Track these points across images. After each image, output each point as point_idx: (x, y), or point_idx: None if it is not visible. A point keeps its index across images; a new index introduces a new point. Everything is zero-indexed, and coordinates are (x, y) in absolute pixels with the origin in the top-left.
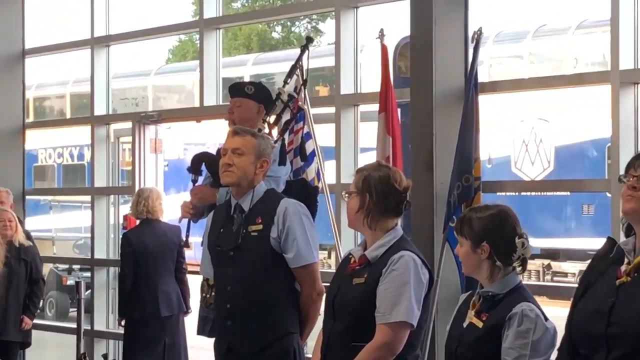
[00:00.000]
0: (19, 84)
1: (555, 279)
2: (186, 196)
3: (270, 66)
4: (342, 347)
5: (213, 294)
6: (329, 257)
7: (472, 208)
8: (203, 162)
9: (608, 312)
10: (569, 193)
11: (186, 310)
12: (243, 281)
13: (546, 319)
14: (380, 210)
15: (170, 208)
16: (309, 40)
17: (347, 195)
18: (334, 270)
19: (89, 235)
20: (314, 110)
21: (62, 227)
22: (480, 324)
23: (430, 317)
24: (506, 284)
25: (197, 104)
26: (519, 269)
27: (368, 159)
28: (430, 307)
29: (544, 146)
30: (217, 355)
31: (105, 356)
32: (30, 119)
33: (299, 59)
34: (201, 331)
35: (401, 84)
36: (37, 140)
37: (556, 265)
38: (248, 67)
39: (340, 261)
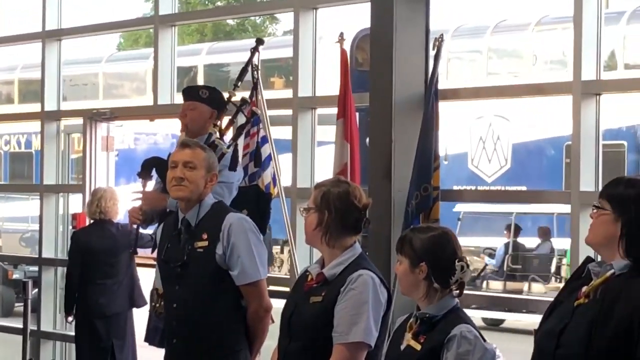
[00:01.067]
0: None
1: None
2: (136, 188)
3: (225, 56)
4: None
5: (162, 303)
6: (282, 252)
7: (415, 228)
8: (154, 167)
9: (559, 333)
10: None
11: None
12: (188, 299)
13: (484, 340)
14: (339, 228)
15: (121, 199)
16: (259, 42)
17: (304, 211)
18: (286, 266)
19: (36, 227)
20: (270, 112)
21: (8, 217)
22: (418, 347)
23: (387, 336)
24: (443, 305)
25: (150, 102)
26: (456, 292)
27: (324, 152)
28: (388, 327)
29: (501, 143)
30: None
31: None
32: None
33: (250, 61)
34: (151, 340)
35: (358, 78)
36: None
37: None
38: (202, 56)
39: (296, 277)
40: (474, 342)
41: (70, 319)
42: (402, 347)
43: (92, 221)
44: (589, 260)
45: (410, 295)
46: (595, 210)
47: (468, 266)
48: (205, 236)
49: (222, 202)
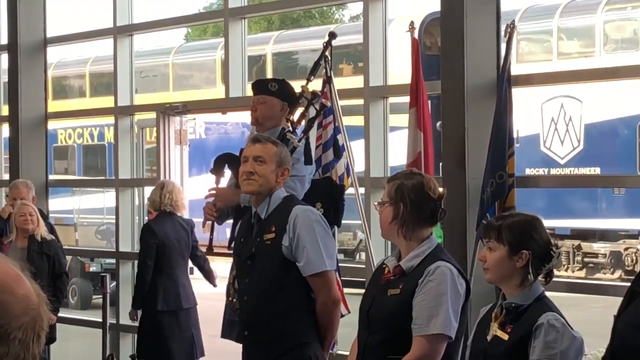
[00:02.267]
0: (41, 74)
1: (585, 259)
2: (207, 180)
3: (293, 44)
4: None
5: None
6: (354, 238)
7: (505, 215)
8: (226, 163)
9: None
10: (599, 172)
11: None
12: (257, 291)
13: (571, 328)
14: (415, 220)
15: (193, 189)
16: (332, 36)
17: (379, 205)
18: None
19: (111, 219)
20: (342, 102)
21: (84, 209)
22: (505, 337)
23: (467, 327)
24: (530, 294)
25: (222, 95)
26: (542, 280)
27: (396, 137)
28: (467, 317)
29: (573, 124)
30: None
31: (133, 357)
32: (50, 98)
33: (322, 55)
34: (227, 335)
35: (426, 62)
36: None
37: (586, 246)
38: (270, 45)
39: (373, 269)
40: (561, 330)
41: (137, 315)
42: (489, 337)
43: (157, 213)
44: None
45: (500, 283)
46: None
47: (560, 254)
48: (273, 228)
49: (293, 195)
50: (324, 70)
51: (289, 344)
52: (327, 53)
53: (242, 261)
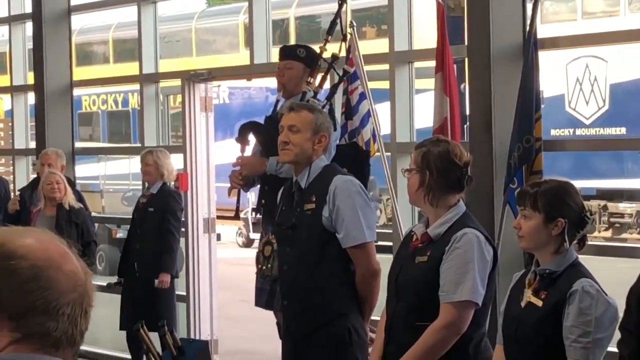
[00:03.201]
0: (66, 42)
1: (611, 220)
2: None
3: (316, 7)
4: (406, 327)
5: (269, 265)
6: (380, 201)
7: (538, 182)
8: (251, 131)
9: None
10: (625, 132)
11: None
12: (296, 262)
13: (605, 294)
14: (442, 187)
15: (219, 154)
16: None
17: (406, 172)
18: (384, 215)
19: (137, 184)
20: (367, 67)
21: (110, 175)
22: (540, 303)
23: (495, 294)
24: (564, 260)
25: (246, 61)
26: (576, 245)
27: (422, 100)
28: (495, 284)
29: (598, 84)
30: (280, 331)
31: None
32: (74, 65)
33: (338, 13)
34: (258, 302)
35: (450, 24)
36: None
37: (612, 206)
38: (292, 8)
39: (400, 236)
40: (596, 297)
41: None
42: (523, 304)
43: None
44: None
45: (535, 250)
46: None
47: (594, 219)
48: (313, 198)
49: (334, 164)
50: (343, 30)
51: (327, 315)
52: (348, 16)
53: (282, 230)
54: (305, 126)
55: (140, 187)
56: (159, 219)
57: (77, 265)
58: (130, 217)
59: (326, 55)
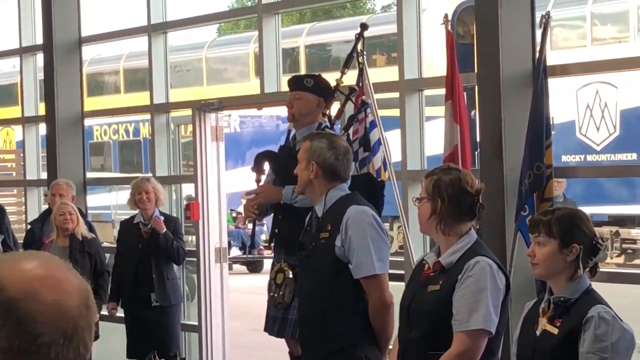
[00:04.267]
0: (77, 73)
1: (624, 246)
2: (246, 176)
3: (326, 36)
4: (419, 356)
5: (281, 292)
6: (391, 229)
7: (549, 210)
8: (266, 160)
9: None
10: (636, 157)
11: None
12: (310, 289)
13: (621, 320)
14: (453, 215)
15: (229, 182)
16: (364, 27)
17: (417, 201)
18: (396, 242)
19: None
20: (377, 96)
21: (122, 204)
22: (555, 331)
23: (508, 322)
24: (578, 287)
25: (257, 91)
26: (588, 273)
27: (432, 127)
28: (508, 312)
29: (609, 110)
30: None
31: (175, 356)
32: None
33: (355, 47)
34: (269, 330)
35: (459, 51)
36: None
37: (625, 232)
38: (303, 37)
39: (412, 264)
40: (612, 323)
41: None
42: (538, 332)
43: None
44: None
45: (549, 278)
46: None
47: (606, 247)
48: (329, 227)
49: (355, 193)
50: (357, 63)
51: (339, 344)
52: (359, 45)
53: (302, 257)
54: (302, 155)
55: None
56: (177, 248)
57: (69, 293)
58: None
59: (342, 86)
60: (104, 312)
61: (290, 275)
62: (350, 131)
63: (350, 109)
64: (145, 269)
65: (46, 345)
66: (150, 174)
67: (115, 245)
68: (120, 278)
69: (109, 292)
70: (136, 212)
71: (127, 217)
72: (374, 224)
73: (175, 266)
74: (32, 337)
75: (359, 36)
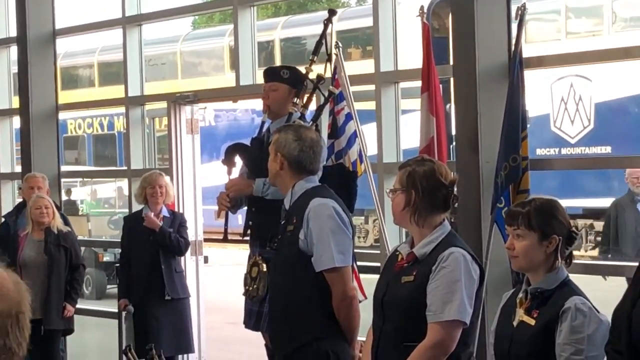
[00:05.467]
0: (51, 66)
1: (598, 238)
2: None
3: (301, 29)
4: (394, 348)
5: (255, 286)
6: (366, 222)
7: (526, 201)
8: (237, 153)
9: None
10: (610, 150)
11: None
12: (276, 282)
13: (598, 311)
14: (427, 207)
15: (205, 176)
16: (332, 12)
17: (391, 192)
18: (372, 236)
19: (122, 209)
20: (353, 88)
21: (97, 198)
22: (532, 322)
23: (483, 312)
24: (555, 279)
25: (232, 83)
26: (564, 263)
27: (408, 120)
28: (482, 303)
29: (583, 103)
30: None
31: (150, 348)
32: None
33: (324, 33)
34: (246, 324)
35: (435, 45)
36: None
37: (599, 225)
38: (278, 30)
39: (387, 256)
40: (588, 315)
41: None
42: (515, 323)
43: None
44: None
45: (529, 270)
46: None
47: (580, 235)
48: (294, 220)
49: (323, 186)
50: (328, 51)
51: (304, 337)
52: (329, 34)
53: (272, 250)
54: (271, 148)
55: (126, 211)
56: (177, 240)
57: (4, 278)
58: (119, 241)
59: (312, 75)
60: (81, 305)
61: (264, 269)
62: (324, 123)
63: (321, 100)
64: (156, 263)
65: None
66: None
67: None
68: (131, 273)
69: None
70: (141, 207)
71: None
72: (334, 217)
73: (180, 259)
74: None
75: (328, 21)
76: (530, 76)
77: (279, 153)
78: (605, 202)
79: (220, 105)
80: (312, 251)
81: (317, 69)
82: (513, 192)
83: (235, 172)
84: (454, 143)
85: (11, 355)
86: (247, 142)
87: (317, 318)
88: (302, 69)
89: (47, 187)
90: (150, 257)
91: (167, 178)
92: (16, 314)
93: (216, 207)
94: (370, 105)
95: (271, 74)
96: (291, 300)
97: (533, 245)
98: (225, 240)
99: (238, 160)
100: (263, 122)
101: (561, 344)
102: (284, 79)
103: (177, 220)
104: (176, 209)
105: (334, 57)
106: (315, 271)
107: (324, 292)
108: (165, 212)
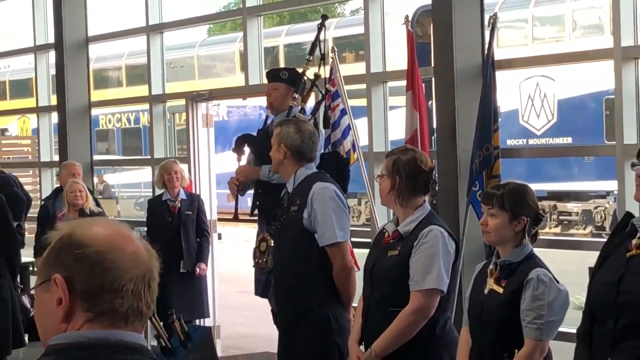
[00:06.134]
0: (84, 68)
1: (560, 217)
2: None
3: (302, 36)
4: (381, 312)
5: (264, 259)
6: (359, 204)
7: (500, 184)
8: (245, 143)
9: (617, 282)
10: (571, 141)
11: None
12: (282, 256)
13: (557, 282)
14: (410, 190)
15: (219, 164)
16: (324, 17)
17: (379, 177)
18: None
19: (148, 192)
20: (347, 87)
21: (124, 184)
22: (500, 290)
23: (457, 282)
24: (521, 253)
25: (242, 83)
26: (529, 239)
27: (395, 115)
28: (458, 274)
29: (547, 100)
30: (274, 317)
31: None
32: (91, 88)
33: (317, 36)
34: (256, 291)
35: (418, 50)
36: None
37: (561, 206)
38: (282, 37)
39: (376, 233)
40: (549, 285)
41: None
42: (486, 291)
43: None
44: (629, 215)
45: (499, 244)
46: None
47: (546, 217)
48: (297, 201)
49: (321, 172)
50: (322, 51)
51: (308, 304)
52: (321, 34)
53: (276, 228)
54: (274, 139)
55: (150, 194)
56: (195, 219)
57: (139, 245)
58: (144, 220)
59: (309, 73)
60: None
61: (272, 244)
62: (320, 119)
63: (319, 97)
64: (175, 240)
65: (129, 289)
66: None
67: (119, 219)
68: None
69: None
70: (162, 191)
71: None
72: (335, 198)
73: (207, 234)
74: (119, 281)
75: (321, 25)
76: (501, 76)
77: (282, 144)
78: (566, 186)
79: (231, 102)
80: (316, 228)
81: (313, 68)
82: (486, 177)
83: (244, 159)
84: (435, 135)
85: (141, 317)
86: (254, 133)
87: (319, 287)
88: (300, 69)
89: (81, 174)
90: (169, 234)
91: (180, 165)
92: (148, 279)
93: (228, 191)
94: (362, 102)
95: (272, 75)
96: (296, 272)
97: (504, 223)
98: (235, 219)
99: (246, 150)
100: (267, 117)
101: (525, 309)
102: (283, 79)
103: (195, 201)
104: (193, 191)
105: (330, 60)
106: (318, 246)
107: (325, 264)
108: (182, 195)
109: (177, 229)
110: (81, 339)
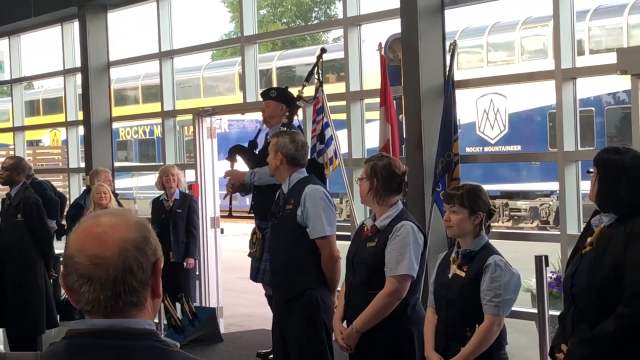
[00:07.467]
0: (106, 88)
1: (511, 213)
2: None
3: (292, 60)
4: (361, 295)
5: (255, 249)
6: (341, 202)
7: (461, 185)
8: (237, 152)
9: (571, 275)
10: (520, 148)
11: None
12: (278, 247)
13: (511, 266)
14: (385, 191)
15: (221, 169)
16: (323, 50)
17: (359, 180)
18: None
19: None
20: (330, 104)
21: (140, 186)
22: (463, 274)
23: (426, 269)
24: (479, 243)
25: (241, 101)
26: (484, 232)
27: (371, 128)
28: (425, 262)
29: (500, 114)
30: (269, 300)
31: (182, 296)
32: (112, 105)
33: (316, 65)
34: (252, 277)
35: (390, 71)
36: (118, 122)
37: (512, 204)
38: (275, 61)
39: (356, 227)
40: (504, 268)
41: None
42: (450, 275)
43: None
44: (595, 213)
45: (460, 236)
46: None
47: (497, 212)
48: (292, 201)
49: (312, 176)
50: (317, 77)
51: (300, 288)
52: (319, 64)
53: (273, 223)
54: (271, 148)
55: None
56: (186, 217)
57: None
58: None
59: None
60: None
61: (260, 236)
62: (310, 130)
63: (309, 112)
64: (164, 233)
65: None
66: (172, 163)
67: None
68: None
69: None
70: (162, 192)
71: (156, 196)
72: (324, 199)
73: (195, 230)
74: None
75: (319, 57)
76: (460, 94)
77: (279, 152)
78: (515, 187)
79: (232, 116)
80: (307, 224)
81: (308, 91)
82: (448, 179)
83: (237, 166)
84: (404, 144)
85: (154, 296)
86: (245, 144)
87: (310, 273)
88: (296, 93)
89: (110, 179)
90: (160, 229)
91: (177, 169)
92: (156, 261)
93: (225, 192)
94: (343, 116)
95: (264, 94)
96: (290, 260)
97: (464, 218)
98: (230, 216)
99: (239, 158)
100: (260, 130)
101: (484, 290)
102: (272, 97)
103: (187, 201)
104: (199, 194)
105: (316, 81)
106: (309, 238)
107: (315, 254)
108: (176, 195)
109: (167, 224)
110: (91, 327)
